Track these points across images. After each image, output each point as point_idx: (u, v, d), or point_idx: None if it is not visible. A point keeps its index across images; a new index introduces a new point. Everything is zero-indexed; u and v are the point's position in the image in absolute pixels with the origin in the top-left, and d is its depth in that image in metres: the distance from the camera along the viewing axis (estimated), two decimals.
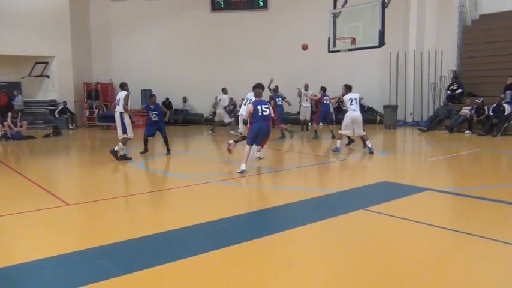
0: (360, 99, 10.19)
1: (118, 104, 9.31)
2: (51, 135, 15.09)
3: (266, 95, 10.70)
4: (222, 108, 15.11)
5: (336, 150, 9.93)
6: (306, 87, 14.50)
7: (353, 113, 9.89)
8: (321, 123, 13.21)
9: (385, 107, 16.96)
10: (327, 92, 13.13)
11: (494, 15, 16.24)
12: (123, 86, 9.52)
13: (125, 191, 7.05)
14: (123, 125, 9.24)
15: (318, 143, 12.30)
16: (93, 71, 20.13)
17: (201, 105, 19.56)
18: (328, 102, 12.78)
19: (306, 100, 14.40)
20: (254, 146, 8.34)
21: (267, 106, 7.96)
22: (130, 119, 9.50)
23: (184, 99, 19.74)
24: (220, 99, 15.15)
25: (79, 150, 12.87)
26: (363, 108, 17.58)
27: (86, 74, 19.74)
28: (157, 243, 4.22)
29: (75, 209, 5.63)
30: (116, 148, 9.28)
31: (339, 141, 10.09)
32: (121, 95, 9.31)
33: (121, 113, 9.21)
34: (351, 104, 9.90)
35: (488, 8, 16.54)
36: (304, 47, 11.28)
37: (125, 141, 9.39)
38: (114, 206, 5.83)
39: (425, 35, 17.35)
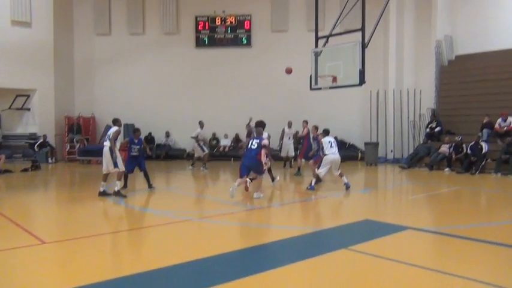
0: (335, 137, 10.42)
1: (107, 140, 9.25)
2: (30, 169, 14.79)
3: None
4: (195, 141, 15.14)
5: (310, 188, 10.00)
6: (290, 125, 14.63)
7: (333, 156, 9.99)
8: (303, 160, 13.17)
9: (366, 144, 17.21)
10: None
11: (469, 56, 16.93)
12: (115, 122, 9.50)
13: (103, 229, 6.89)
14: (114, 159, 9.16)
15: (300, 179, 12.33)
16: (76, 105, 20.05)
17: (183, 140, 19.46)
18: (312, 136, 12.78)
19: (289, 138, 14.46)
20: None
21: (258, 142, 9.00)
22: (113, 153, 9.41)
23: (167, 134, 19.70)
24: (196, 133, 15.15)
25: (57, 185, 12.61)
26: (344, 145, 17.92)
27: (68, 108, 19.62)
28: (136, 284, 4.10)
29: (51, 247, 5.46)
30: (116, 188, 9.14)
31: (314, 180, 10.17)
32: (112, 130, 9.27)
33: (110, 148, 9.15)
34: (330, 147, 10.04)
35: (463, 49, 17.28)
36: (288, 71, 11.41)
37: (120, 176, 9.27)
38: (91, 245, 5.68)
39: (404, 74, 17.92)
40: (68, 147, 18.74)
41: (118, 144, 9.32)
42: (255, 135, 9.53)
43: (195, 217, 7.33)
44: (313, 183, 10.12)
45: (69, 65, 19.94)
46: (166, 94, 19.85)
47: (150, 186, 10.24)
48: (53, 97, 18.70)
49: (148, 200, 9.31)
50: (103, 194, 9.17)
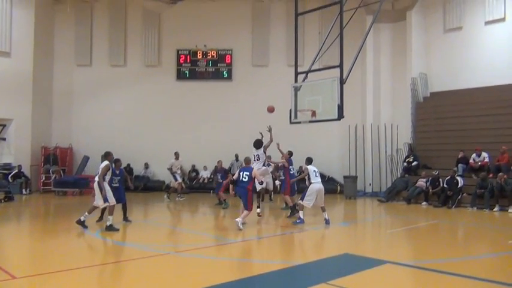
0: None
1: (97, 174, 9.17)
2: (2, 200, 14.36)
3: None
4: (170, 172, 15.23)
5: (300, 222, 9.89)
6: (269, 159, 14.73)
7: (318, 185, 10.00)
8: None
9: (345, 177, 17.36)
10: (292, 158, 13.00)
11: (443, 93, 17.47)
12: (106, 156, 9.43)
13: (78, 263, 6.67)
14: (104, 195, 9.01)
15: (279, 212, 12.28)
16: (53, 135, 19.74)
17: (162, 172, 19.21)
18: (293, 171, 12.47)
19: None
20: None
21: (248, 174, 9.36)
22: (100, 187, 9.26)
23: (146, 166, 19.51)
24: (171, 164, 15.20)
25: (30, 217, 12.24)
26: (324, 178, 18.02)
27: (45, 138, 19.31)
28: None
29: (22, 283, 5.26)
30: (108, 223, 8.97)
31: (301, 212, 10.04)
32: (102, 165, 9.20)
33: (99, 183, 9.02)
34: (316, 176, 10.08)
35: (438, 86, 17.84)
36: (270, 109, 11.44)
37: (111, 210, 9.08)
38: (64, 280, 5.50)
39: (381, 109, 18.39)
40: (44, 178, 18.33)
41: (107, 178, 9.22)
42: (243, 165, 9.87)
43: (173, 251, 7.20)
44: (301, 216, 9.99)
45: (47, 95, 19.77)
46: (146, 126, 19.77)
47: (125, 219, 10.05)
48: (30, 127, 18.40)
49: (125, 233, 9.11)
50: (80, 223, 8.99)
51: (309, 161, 10.46)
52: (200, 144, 19.28)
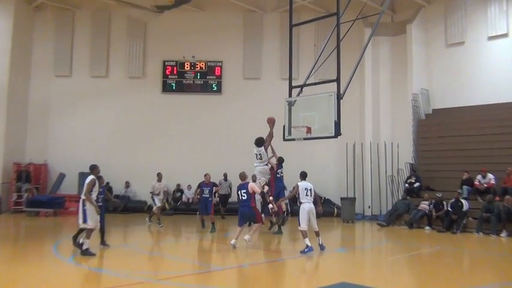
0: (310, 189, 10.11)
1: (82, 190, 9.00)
2: None
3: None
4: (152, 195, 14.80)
5: (309, 250, 9.44)
6: (254, 178, 14.64)
7: (308, 205, 9.79)
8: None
9: (342, 199, 17.30)
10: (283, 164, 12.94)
11: (446, 110, 17.60)
12: (92, 169, 9.21)
13: None
14: (84, 212, 8.81)
15: (270, 237, 12.13)
16: (27, 150, 19.48)
17: (144, 192, 18.97)
18: (282, 175, 12.58)
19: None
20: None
21: (245, 191, 9.62)
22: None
23: (127, 185, 19.28)
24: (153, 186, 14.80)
25: None
26: (319, 200, 17.93)
27: (18, 153, 19.03)
28: None
29: None
30: (80, 240, 8.81)
31: (307, 239, 9.63)
32: (87, 180, 8.98)
33: (83, 200, 8.84)
34: (306, 194, 9.84)
35: (440, 103, 17.97)
36: (270, 121, 11.42)
37: (89, 234, 8.84)
38: None
39: (380, 126, 18.48)
40: (15, 197, 18.01)
41: (94, 195, 8.99)
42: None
43: (153, 278, 7.03)
44: (308, 243, 9.51)
45: (23, 107, 19.57)
46: (128, 141, 19.61)
47: (103, 243, 9.84)
48: (3, 141, 18.12)
49: (102, 258, 8.91)
50: (86, 252, 8.66)
51: (303, 176, 10.24)
52: (186, 161, 19.11)
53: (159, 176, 14.72)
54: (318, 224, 9.94)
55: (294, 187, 10.27)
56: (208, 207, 13.24)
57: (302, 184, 10.00)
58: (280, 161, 12.70)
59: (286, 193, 13.24)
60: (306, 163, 17.97)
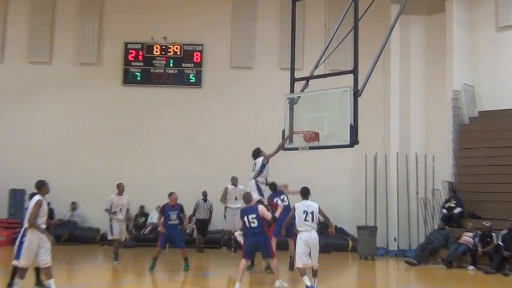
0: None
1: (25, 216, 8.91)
2: None
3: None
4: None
5: None
6: (235, 181, 14.77)
7: (306, 234, 9.65)
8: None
9: (359, 228, 17.25)
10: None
11: (497, 113, 17.61)
12: (40, 187, 9.11)
13: None
14: (20, 245, 8.74)
15: (263, 276, 12.13)
16: None
17: (97, 216, 18.81)
18: (287, 203, 12.39)
19: (235, 199, 14.60)
20: None
21: (254, 216, 9.79)
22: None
23: (73, 206, 19.13)
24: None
25: None
26: (327, 229, 17.89)
27: None
28: None
29: None
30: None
31: (305, 278, 9.68)
32: (31, 203, 8.92)
33: (25, 229, 8.74)
34: (305, 219, 9.70)
35: (489, 103, 18.00)
36: (310, 137, 11.15)
37: (22, 273, 8.79)
38: None
39: (410, 133, 18.53)
40: None
41: (40, 221, 8.85)
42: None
43: None
44: (307, 282, 9.59)
45: None
46: (76, 147, 19.51)
47: (39, 283, 9.76)
48: None
49: None
50: None
51: (303, 193, 10.15)
52: (154, 175, 19.04)
53: (120, 188, 14.41)
54: (320, 260, 9.92)
55: (291, 209, 10.30)
56: (177, 237, 12.97)
57: (300, 206, 9.87)
58: (272, 188, 12.65)
59: None
60: (312, 181, 17.87)
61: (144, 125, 19.80)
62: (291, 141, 11.16)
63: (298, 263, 9.73)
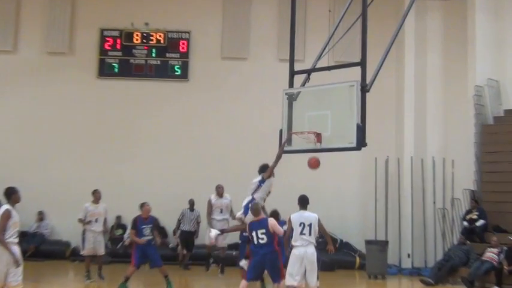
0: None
1: None
2: None
3: None
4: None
5: None
6: (220, 192, 14.78)
7: (301, 249, 9.72)
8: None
9: (368, 243, 17.27)
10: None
11: None
12: (10, 195, 9.06)
13: None
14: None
15: None
16: None
17: (67, 227, 18.83)
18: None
19: (221, 211, 14.60)
20: None
21: (264, 231, 9.72)
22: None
23: (40, 216, 19.11)
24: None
25: None
26: (333, 244, 17.91)
27: None
28: None
29: None
30: None
31: None
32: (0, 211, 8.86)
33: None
34: (301, 232, 9.76)
35: None
36: (313, 164, 11.23)
37: None
38: None
39: (427, 134, 18.54)
40: None
41: (10, 234, 8.83)
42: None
43: None
44: None
45: None
46: (45, 148, 19.47)
47: None
48: None
49: None
50: None
51: (301, 202, 10.27)
52: (133, 182, 19.02)
53: (96, 196, 14.41)
54: (323, 279, 10.12)
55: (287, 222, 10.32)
56: (153, 255, 12.91)
57: (296, 217, 9.94)
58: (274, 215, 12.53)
59: None
60: (313, 189, 17.92)
61: (121, 123, 19.75)
62: (289, 143, 11.17)
63: (287, 281, 9.76)
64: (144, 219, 12.98)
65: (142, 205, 13.18)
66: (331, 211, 18.11)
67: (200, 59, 20.19)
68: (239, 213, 11.66)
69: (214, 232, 11.66)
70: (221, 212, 14.95)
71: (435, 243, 17.90)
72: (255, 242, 9.84)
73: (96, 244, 14.40)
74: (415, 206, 18.29)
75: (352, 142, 10.08)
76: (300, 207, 10.17)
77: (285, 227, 11.80)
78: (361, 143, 10.08)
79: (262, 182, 11.48)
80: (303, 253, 9.70)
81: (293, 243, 9.80)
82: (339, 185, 19.09)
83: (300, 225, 9.84)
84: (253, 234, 9.85)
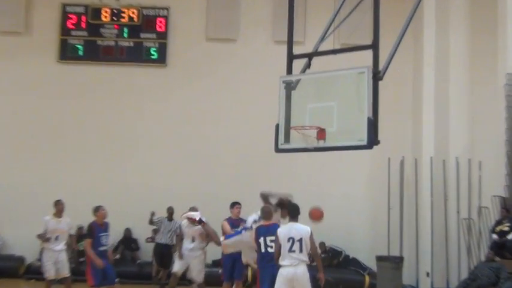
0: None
1: None
2: None
3: None
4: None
5: None
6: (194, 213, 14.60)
7: (290, 270, 9.57)
8: None
9: (380, 259, 17.27)
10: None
11: None
12: None
13: None
14: None
15: None
16: None
17: (21, 241, 18.83)
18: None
19: (193, 240, 14.38)
20: None
21: (273, 239, 9.79)
22: None
23: None
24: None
25: None
26: (337, 259, 17.95)
27: None
28: None
29: None
30: None
31: None
32: None
33: None
34: (290, 249, 9.61)
35: None
36: (316, 215, 11.19)
37: None
38: None
39: (449, 131, 18.56)
40: None
41: None
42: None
43: None
44: None
45: None
46: None
47: None
48: None
49: None
50: None
51: (291, 213, 10.16)
52: (101, 187, 18.99)
53: (58, 207, 14.16)
54: None
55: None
56: (110, 270, 12.88)
57: (284, 231, 9.84)
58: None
59: None
60: (316, 195, 17.96)
61: (86, 116, 19.79)
62: (287, 140, 11.18)
63: None
64: (100, 226, 12.92)
65: (97, 209, 13.07)
66: (336, 221, 18.11)
67: (181, 40, 20.25)
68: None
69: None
70: (192, 241, 14.11)
71: (459, 259, 17.95)
72: (262, 250, 9.93)
73: (58, 265, 14.00)
74: (436, 215, 18.32)
75: (362, 139, 10.04)
76: (289, 219, 10.09)
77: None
78: (372, 140, 10.05)
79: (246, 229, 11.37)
80: (291, 274, 9.54)
81: (280, 262, 9.64)
82: (346, 190, 19.14)
83: (289, 240, 9.66)
84: (261, 240, 9.94)
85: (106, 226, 12.98)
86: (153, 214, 17.02)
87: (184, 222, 14.33)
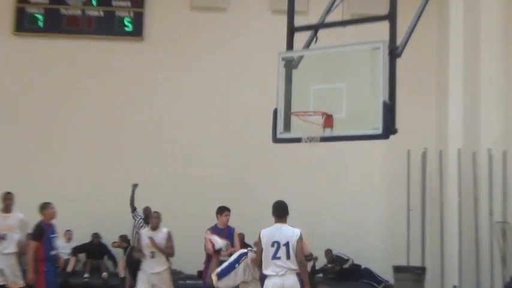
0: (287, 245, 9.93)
1: None
2: None
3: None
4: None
5: None
6: (155, 222, 13.89)
7: (276, 280, 9.52)
8: None
9: (398, 270, 17.49)
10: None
11: None
12: None
13: None
14: None
15: None
16: None
17: None
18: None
19: (152, 256, 14.18)
20: None
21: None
22: None
23: None
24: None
25: None
26: (348, 270, 18.12)
27: None
28: None
29: None
30: None
31: None
32: None
33: None
34: (274, 256, 9.55)
35: None
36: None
37: None
38: None
39: (480, 120, 18.62)
40: None
41: None
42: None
43: None
44: None
45: None
46: None
47: None
48: None
49: None
50: None
51: (277, 212, 10.02)
52: (64, 181, 19.11)
53: (7, 202, 13.98)
54: None
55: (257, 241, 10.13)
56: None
57: (268, 234, 9.77)
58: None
59: None
60: (323, 194, 18.13)
61: (47, 97, 19.94)
62: (287, 128, 11.29)
63: None
64: (49, 226, 12.78)
65: (45, 206, 12.82)
66: (346, 225, 18.37)
67: (160, 9, 20.35)
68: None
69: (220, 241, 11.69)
70: (152, 256, 13.51)
71: (492, 270, 18.02)
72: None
73: (7, 272, 13.64)
74: (464, 218, 18.34)
75: (377, 128, 10.08)
76: (275, 219, 9.96)
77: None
78: (389, 128, 10.10)
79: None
80: (278, 285, 9.49)
81: (264, 271, 9.62)
82: (358, 188, 19.32)
83: (273, 245, 9.59)
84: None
85: (53, 227, 12.82)
86: (135, 186, 16.70)
87: (145, 231, 14.05)
